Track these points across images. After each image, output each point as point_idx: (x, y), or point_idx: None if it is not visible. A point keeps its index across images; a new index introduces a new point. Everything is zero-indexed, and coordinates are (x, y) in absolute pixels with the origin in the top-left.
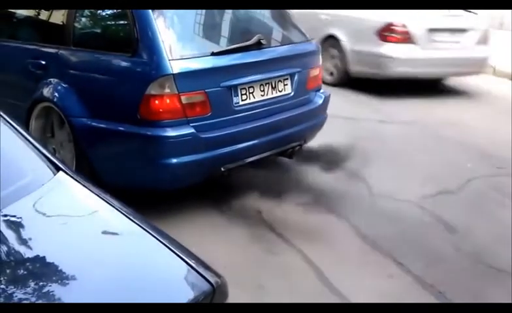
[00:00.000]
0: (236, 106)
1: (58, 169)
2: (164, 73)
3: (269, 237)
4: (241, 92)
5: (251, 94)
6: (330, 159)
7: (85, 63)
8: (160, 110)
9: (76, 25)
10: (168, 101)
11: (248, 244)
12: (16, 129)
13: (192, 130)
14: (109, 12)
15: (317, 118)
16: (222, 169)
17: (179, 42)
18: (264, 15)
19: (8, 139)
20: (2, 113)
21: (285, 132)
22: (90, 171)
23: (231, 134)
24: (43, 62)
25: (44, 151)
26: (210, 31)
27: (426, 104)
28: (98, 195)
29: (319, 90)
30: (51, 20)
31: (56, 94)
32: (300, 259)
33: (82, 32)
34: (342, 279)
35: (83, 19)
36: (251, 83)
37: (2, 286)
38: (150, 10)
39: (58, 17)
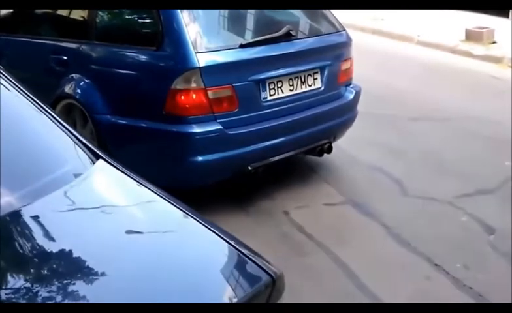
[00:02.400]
0: (264, 101)
1: (97, 157)
2: (190, 66)
3: (298, 237)
4: (269, 86)
5: (279, 89)
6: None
7: (108, 58)
8: (186, 105)
9: (98, 19)
10: (194, 96)
11: (277, 244)
12: (54, 117)
13: (220, 127)
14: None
15: (347, 114)
16: (249, 167)
17: (205, 34)
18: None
19: (46, 127)
20: (41, 103)
21: (314, 128)
22: None
23: (259, 130)
24: (65, 58)
25: (83, 139)
26: (237, 22)
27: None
28: (144, 186)
29: (349, 84)
30: (72, 15)
31: (79, 90)
32: (331, 260)
33: (105, 26)
34: (375, 281)
35: (106, 13)
36: (280, 77)
37: (57, 281)
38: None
39: (79, 11)
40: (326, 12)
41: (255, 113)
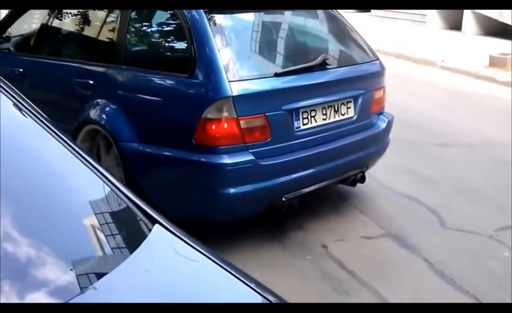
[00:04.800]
0: (297, 131)
1: (153, 221)
2: (222, 95)
3: (339, 274)
4: (302, 115)
5: (312, 118)
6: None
7: (136, 83)
8: (217, 135)
9: (128, 42)
10: (225, 125)
11: (316, 280)
12: (104, 175)
13: (252, 157)
14: (164, 28)
15: (379, 143)
16: (283, 199)
17: (238, 61)
18: (326, 32)
19: (95, 189)
20: (88, 157)
21: (347, 158)
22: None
23: (292, 160)
24: (91, 82)
25: (137, 200)
26: (271, 50)
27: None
28: (205, 255)
29: (382, 113)
30: (99, 37)
31: (104, 116)
32: (374, 297)
33: (134, 51)
34: None
35: (136, 37)
36: (314, 106)
37: None
38: (209, 28)
39: (108, 34)
40: (360, 40)
41: (288, 143)
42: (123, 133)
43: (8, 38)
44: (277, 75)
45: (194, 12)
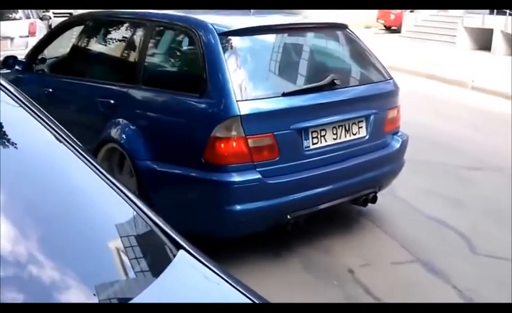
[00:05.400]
0: (307, 150)
1: (178, 246)
2: (231, 114)
3: (364, 299)
4: (312, 135)
5: (322, 138)
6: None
7: (152, 103)
8: (226, 154)
9: (147, 63)
10: (234, 144)
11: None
12: (128, 197)
13: (259, 176)
14: (182, 50)
15: (393, 163)
16: (288, 216)
17: (248, 82)
18: (338, 52)
19: (121, 210)
20: (113, 179)
21: (358, 178)
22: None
23: (300, 180)
24: (112, 102)
25: (162, 225)
26: (281, 70)
27: None
28: (228, 282)
29: (396, 132)
30: (121, 57)
31: (124, 135)
32: None
33: (152, 71)
34: None
35: (154, 58)
36: (323, 125)
37: None
38: (221, 51)
39: (128, 55)
40: (374, 60)
41: (297, 162)
42: (139, 151)
43: (43, 60)
44: (285, 94)
45: (210, 35)
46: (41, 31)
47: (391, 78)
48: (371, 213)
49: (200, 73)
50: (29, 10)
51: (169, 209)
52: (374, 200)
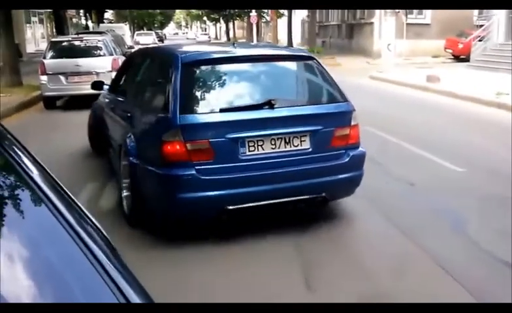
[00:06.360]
0: (243, 155)
1: None
2: (174, 125)
3: None
4: (248, 144)
5: (260, 147)
6: None
7: (144, 119)
8: (170, 154)
9: (147, 88)
10: (177, 147)
11: None
12: None
13: (194, 172)
14: (163, 76)
15: (341, 174)
16: (230, 207)
17: (193, 100)
18: (297, 78)
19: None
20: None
21: (299, 182)
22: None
23: (234, 178)
24: (129, 114)
25: None
26: (226, 92)
27: None
28: None
29: (350, 148)
30: (137, 84)
31: (127, 141)
32: None
33: (146, 95)
34: None
35: (149, 83)
36: (261, 137)
37: None
38: (179, 76)
39: (140, 82)
40: (332, 85)
41: (232, 165)
42: (132, 151)
43: (118, 84)
44: (222, 110)
45: (175, 65)
46: None
47: (346, 101)
48: (439, 256)
49: (167, 95)
50: (112, 48)
51: (147, 197)
52: (323, 204)
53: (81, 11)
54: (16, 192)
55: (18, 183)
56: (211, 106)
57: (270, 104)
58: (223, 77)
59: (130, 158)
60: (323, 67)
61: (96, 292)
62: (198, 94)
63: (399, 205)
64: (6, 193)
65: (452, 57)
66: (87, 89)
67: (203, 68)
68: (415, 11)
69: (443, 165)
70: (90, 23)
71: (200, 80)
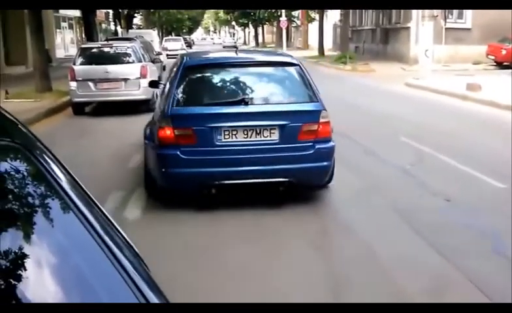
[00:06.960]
0: (218, 141)
1: None
2: (167, 114)
3: None
4: (224, 132)
5: (234, 135)
6: None
7: (156, 111)
8: (163, 137)
9: (163, 90)
10: (168, 132)
11: None
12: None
13: (178, 152)
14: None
15: (307, 163)
16: (216, 182)
17: (184, 96)
18: (277, 80)
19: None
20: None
21: (267, 167)
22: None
23: (210, 159)
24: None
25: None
26: (213, 91)
27: None
28: None
29: (318, 142)
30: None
31: (146, 128)
32: None
33: (163, 95)
34: None
35: (165, 88)
36: (235, 127)
37: None
38: (179, 76)
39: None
40: (308, 87)
41: (210, 148)
42: (146, 136)
43: None
44: (205, 105)
45: (181, 68)
46: (152, 73)
47: (318, 101)
48: (471, 273)
49: (168, 92)
50: (141, 54)
51: (149, 165)
52: (289, 188)
53: (111, 16)
54: (46, 201)
55: (49, 192)
56: (197, 101)
57: (244, 102)
58: (212, 79)
59: (145, 141)
60: (305, 72)
61: (120, 296)
62: (188, 91)
63: (434, 221)
64: (37, 202)
65: (495, 64)
66: (116, 96)
67: (197, 71)
68: (455, 15)
69: (483, 180)
70: (119, 29)
71: (192, 80)
